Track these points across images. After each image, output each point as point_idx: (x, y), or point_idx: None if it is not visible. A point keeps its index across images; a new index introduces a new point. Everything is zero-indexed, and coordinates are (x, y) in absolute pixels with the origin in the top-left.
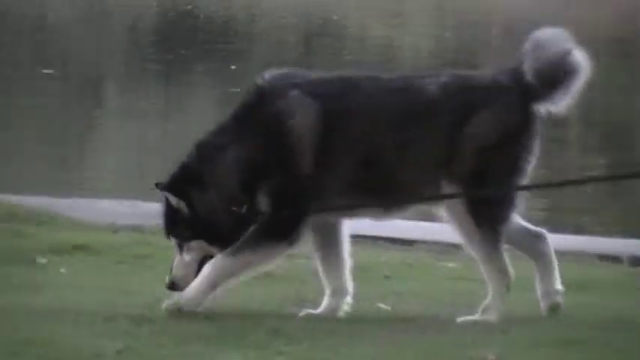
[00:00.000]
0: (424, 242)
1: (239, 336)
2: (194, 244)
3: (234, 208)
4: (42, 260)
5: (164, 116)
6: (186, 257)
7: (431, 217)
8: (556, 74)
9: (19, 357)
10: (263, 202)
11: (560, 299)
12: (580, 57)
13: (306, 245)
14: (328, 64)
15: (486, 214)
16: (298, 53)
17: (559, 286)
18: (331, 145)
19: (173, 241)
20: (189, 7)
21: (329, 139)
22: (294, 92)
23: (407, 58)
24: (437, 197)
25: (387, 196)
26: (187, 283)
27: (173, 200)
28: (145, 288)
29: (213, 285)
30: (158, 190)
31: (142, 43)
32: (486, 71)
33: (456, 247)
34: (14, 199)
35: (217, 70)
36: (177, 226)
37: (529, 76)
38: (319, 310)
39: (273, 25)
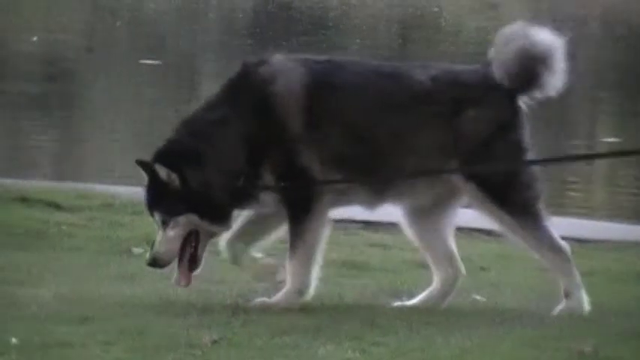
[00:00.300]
0: None
1: (334, 327)
2: (182, 219)
3: (232, 182)
4: (138, 250)
5: None
6: (171, 233)
7: None
8: (528, 66)
9: (114, 346)
10: (267, 177)
11: None
12: (547, 41)
13: (399, 236)
14: (423, 56)
15: (513, 199)
16: (394, 44)
17: None
18: (317, 115)
19: (156, 217)
20: None
21: (315, 109)
22: (277, 58)
23: None
24: (430, 172)
25: (379, 175)
26: (170, 259)
27: (164, 173)
28: (240, 278)
29: (299, 292)
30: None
31: (241, 34)
32: (476, 66)
33: None
34: (110, 189)
35: None
36: (165, 200)
37: (504, 72)
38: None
39: (370, 17)
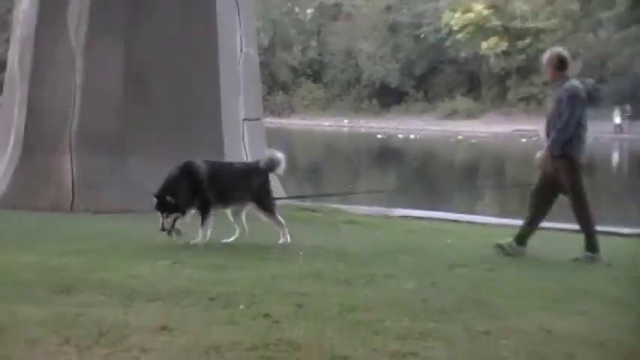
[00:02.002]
0: None
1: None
2: (174, 214)
3: (187, 203)
4: (343, 226)
5: None
6: (169, 219)
7: None
8: (272, 164)
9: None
10: (196, 203)
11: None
12: (280, 157)
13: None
14: None
15: (268, 209)
16: None
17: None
18: (212, 183)
19: (164, 214)
20: None
21: (211, 181)
22: (200, 161)
23: None
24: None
25: (229, 202)
26: (168, 229)
27: (169, 198)
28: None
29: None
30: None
31: None
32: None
33: None
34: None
35: None
36: (167, 208)
37: (267, 165)
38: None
39: None
